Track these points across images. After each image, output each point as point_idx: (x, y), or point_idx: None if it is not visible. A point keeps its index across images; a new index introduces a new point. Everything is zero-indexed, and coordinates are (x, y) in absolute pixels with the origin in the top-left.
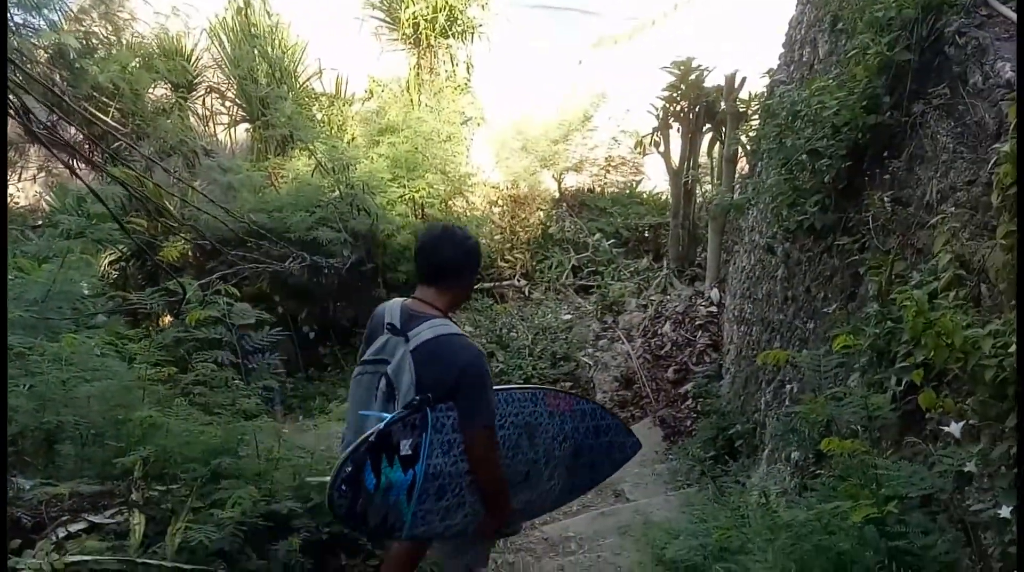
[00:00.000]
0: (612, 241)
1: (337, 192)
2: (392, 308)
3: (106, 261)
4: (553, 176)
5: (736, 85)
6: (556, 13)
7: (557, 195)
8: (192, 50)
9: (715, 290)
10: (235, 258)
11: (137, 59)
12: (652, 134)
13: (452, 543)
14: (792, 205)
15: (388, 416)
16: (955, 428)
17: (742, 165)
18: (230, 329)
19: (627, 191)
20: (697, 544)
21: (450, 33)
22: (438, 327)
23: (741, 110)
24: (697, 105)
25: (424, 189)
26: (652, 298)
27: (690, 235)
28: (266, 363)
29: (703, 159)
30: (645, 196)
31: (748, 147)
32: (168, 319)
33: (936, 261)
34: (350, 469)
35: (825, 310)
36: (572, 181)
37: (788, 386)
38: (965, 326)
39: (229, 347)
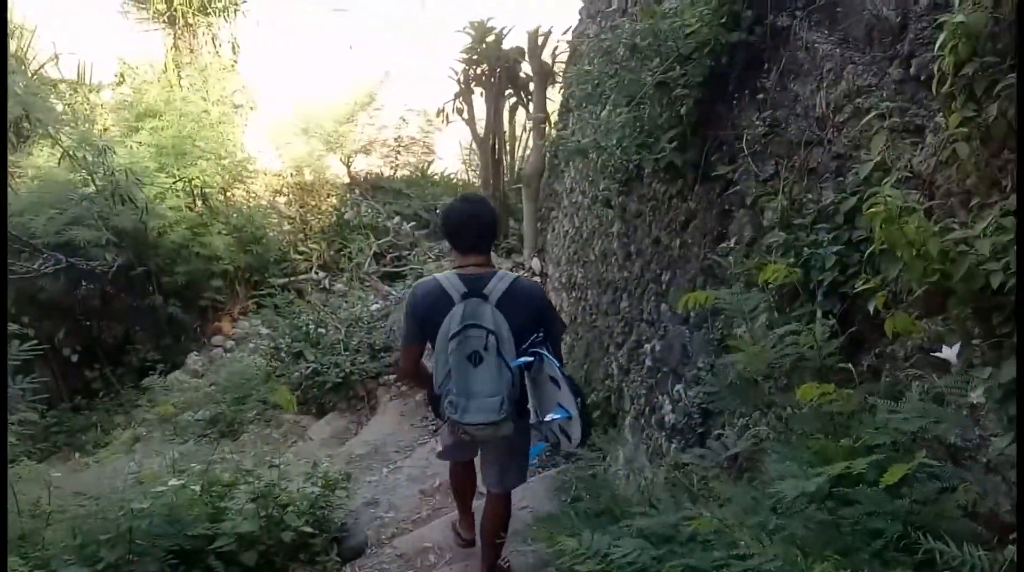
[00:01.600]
0: (412, 223)
1: (92, 186)
2: (450, 280)
3: None
4: (341, 160)
5: (540, 43)
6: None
7: (348, 180)
8: None
9: (535, 260)
10: None
11: None
12: (454, 100)
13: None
14: (641, 147)
15: (552, 360)
16: (950, 353)
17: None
18: None
19: (419, 172)
20: (636, 542)
21: (210, 10)
22: (505, 277)
23: (547, 66)
24: (498, 68)
25: (199, 176)
26: None
27: (502, 206)
28: (19, 390)
29: (506, 127)
30: (437, 177)
31: (565, 101)
32: None
33: (862, 170)
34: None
35: (684, 257)
36: (362, 164)
37: (647, 346)
38: (940, 231)
39: None
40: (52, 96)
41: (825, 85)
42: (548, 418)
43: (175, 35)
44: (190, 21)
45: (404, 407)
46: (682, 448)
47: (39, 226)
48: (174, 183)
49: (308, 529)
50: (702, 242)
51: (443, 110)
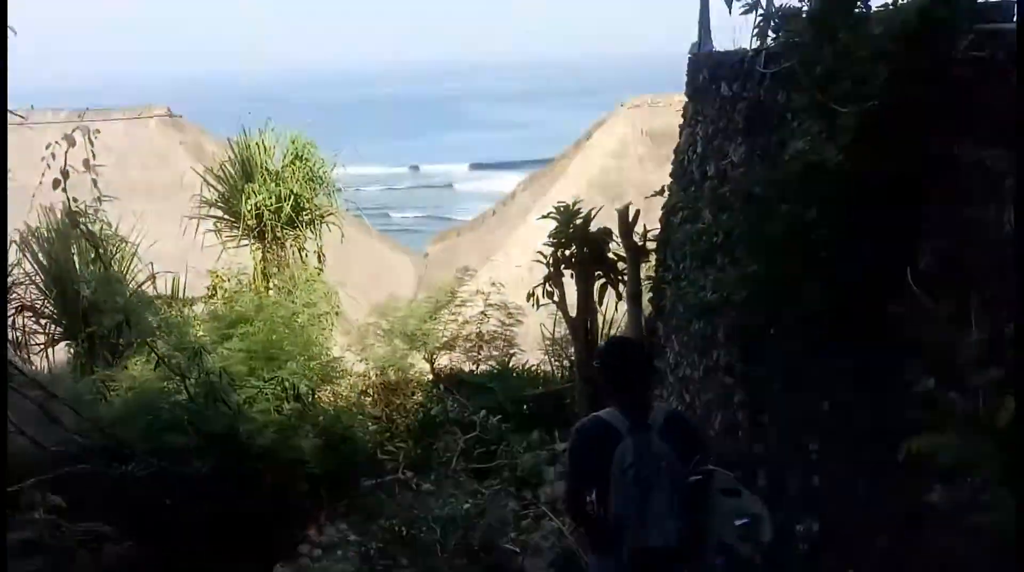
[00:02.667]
0: (498, 417)
1: (185, 393)
2: (614, 418)
3: None
4: (424, 357)
5: (631, 218)
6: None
7: (431, 376)
8: None
9: None
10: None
11: None
12: (544, 284)
13: None
14: (777, 299)
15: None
16: None
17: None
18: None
19: (501, 367)
20: None
21: (297, 222)
22: (663, 409)
23: (639, 244)
24: (587, 249)
25: (294, 375)
26: None
27: (596, 389)
28: None
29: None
30: (518, 370)
31: (659, 277)
32: None
33: None
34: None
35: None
36: (445, 360)
37: (798, 527)
38: None
39: None
40: (147, 312)
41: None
42: (738, 523)
43: (264, 248)
44: (278, 234)
45: None
46: None
47: (135, 434)
48: (267, 381)
49: None
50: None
51: (534, 293)
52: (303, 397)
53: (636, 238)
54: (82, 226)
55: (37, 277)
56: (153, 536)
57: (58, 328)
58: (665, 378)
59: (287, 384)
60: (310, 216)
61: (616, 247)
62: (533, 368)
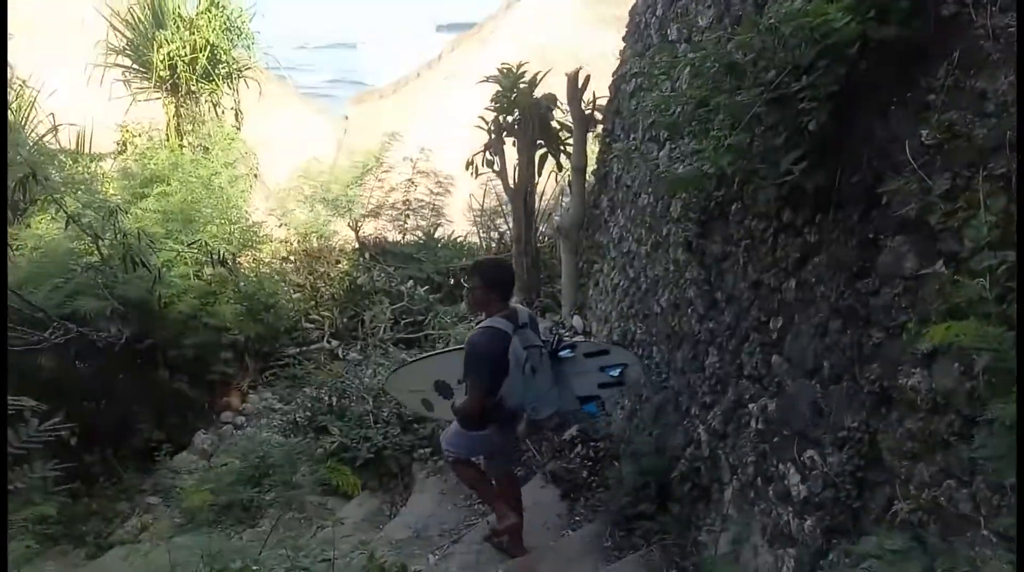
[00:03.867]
0: (426, 288)
1: (97, 254)
2: (500, 324)
3: None
4: (349, 225)
5: (580, 84)
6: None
7: (357, 245)
8: None
9: (577, 318)
10: None
11: None
12: (484, 151)
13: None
14: (751, 174)
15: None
16: None
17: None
18: None
19: (428, 237)
20: None
21: (214, 76)
22: (521, 309)
23: (587, 112)
24: (532, 116)
25: (215, 239)
26: None
27: (533, 262)
28: (38, 478)
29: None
30: (446, 241)
31: (605, 147)
32: None
33: None
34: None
35: (803, 299)
36: (370, 228)
37: (752, 405)
38: None
39: None
40: (52, 167)
41: None
42: (612, 374)
43: (177, 103)
44: (192, 88)
45: (444, 484)
46: (825, 526)
47: (40, 298)
48: (188, 245)
49: None
50: (832, 280)
51: (472, 162)
52: (225, 261)
53: (584, 106)
54: None
55: None
56: (70, 407)
57: None
58: (607, 253)
59: (207, 248)
60: (227, 69)
61: (560, 116)
62: (460, 239)
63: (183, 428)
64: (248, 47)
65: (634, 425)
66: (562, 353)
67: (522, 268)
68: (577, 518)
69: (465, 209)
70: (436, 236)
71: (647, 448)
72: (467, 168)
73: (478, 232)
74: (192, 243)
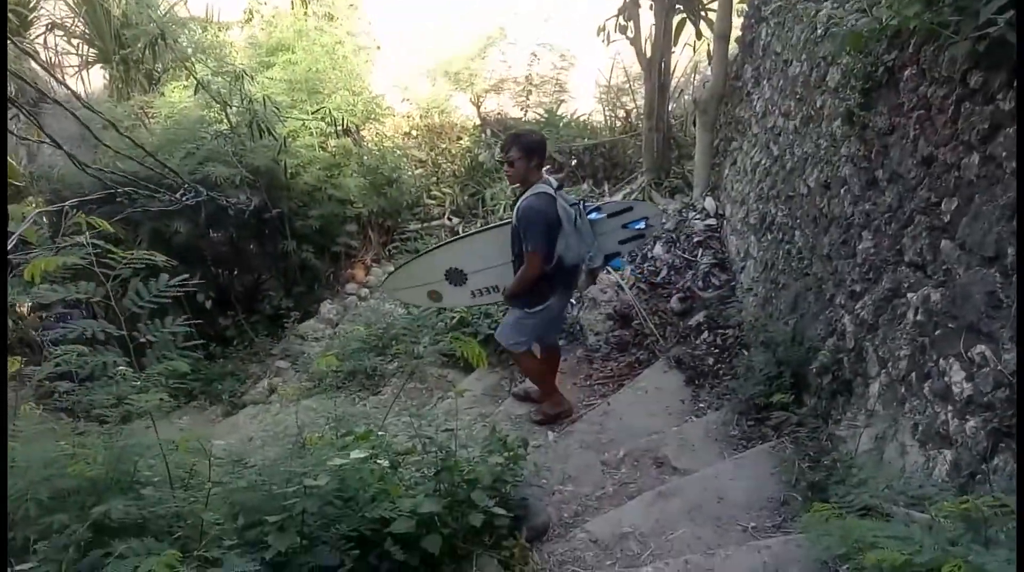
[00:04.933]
0: (547, 167)
1: (226, 122)
2: (546, 188)
3: None
4: (471, 100)
5: None
6: None
7: (478, 121)
8: None
9: (709, 199)
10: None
11: None
12: (617, 16)
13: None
14: (940, 30)
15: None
16: None
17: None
18: (104, 282)
19: (550, 114)
20: None
21: None
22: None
23: None
24: None
25: (340, 108)
26: None
27: (665, 140)
28: (168, 334)
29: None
30: (568, 119)
31: (755, 10)
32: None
33: None
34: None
35: (989, 177)
36: (492, 104)
37: (911, 295)
38: None
39: (105, 314)
40: (182, 34)
41: None
42: (639, 226)
43: None
44: None
45: (563, 363)
46: (992, 429)
47: (175, 164)
48: (313, 114)
49: (498, 510)
50: None
51: (603, 28)
52: (349, 130)
53: None
54: None
55: None
56: (204, 271)
57: (91, 50)
58: (747, 129)
59: (332, 118)
60: None
61: None
62: (584, 117)
63: (309, 297)
64: None
65: (768, 313)
66: (591, 215)
67: (653, 145)
68: (701, 405)
69: (589, 86)
70: (559, 113)
71: (783, 337)
72: (598, 34)
73: (603, 110)
74: (316, 111)
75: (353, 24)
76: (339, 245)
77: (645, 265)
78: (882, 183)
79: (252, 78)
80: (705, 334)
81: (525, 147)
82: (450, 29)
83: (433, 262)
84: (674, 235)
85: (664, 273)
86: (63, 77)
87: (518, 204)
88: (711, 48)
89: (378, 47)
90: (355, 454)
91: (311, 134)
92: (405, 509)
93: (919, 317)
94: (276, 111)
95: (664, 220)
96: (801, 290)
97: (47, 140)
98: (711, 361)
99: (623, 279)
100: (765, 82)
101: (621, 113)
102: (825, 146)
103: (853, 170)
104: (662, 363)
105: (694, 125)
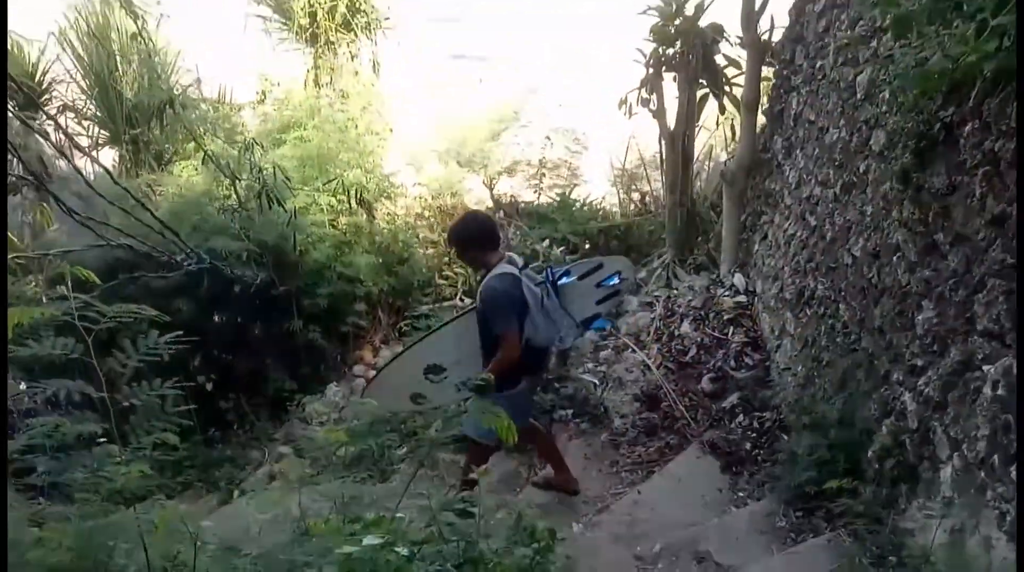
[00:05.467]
0: (562, 248)
1: (234, 196)
2: (508, 269)
3: None
4: (484, 182)
5: (757, 7)
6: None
7: (491, 203)
8: (37, 61)
9: (739, 276)
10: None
11: None
12: (640, 89)
13: None
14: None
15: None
16: None
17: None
18: (85, 337)
19: (564, 197)
20: None
21: (352, 25)
22: (514, 257)
23: (763, 39)
24: (696, 48)
25: (354, 185)
26: (656, 294)
27: (689, 215)
28: (155, 397)
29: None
30: (582, 201)
31: (782, 80)
32: None
33: None
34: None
35: None
36: (505, 187)
37: (988, 369)
38: None
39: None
40: (194, 115)
41: None
42: (611, 283)
43: (316, 54)
44: (331, 39)
45: (587, 448)
46: None
47: (192, 241)
48: (324, 185)
49: None
50: None
51: (625, 100)
52: (366, 204)
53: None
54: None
55: (77, 74)
56: (206, 352)
57: (103, 131)
58: (779, 201)
59: (344, 196)
60: (366, 19)
61: (727, 49)
62: (597, 201)
63: (315, 379)
64: None
65: (811, 393)
66: (562, 281)
67: (677, 221)
68: (741, 493)
69: (603, 170)
70: (572, 197)
71: (831, 418)
72: (620, 107)
73: (617, 192)
74: (328, 183)
75: (367, 101)
76: (347, 325)
77: (672, 344)
78: (944, 247)
79: (263, 147)
80: (740, 417)
81: (462, 241)
82: (463, 111)
83: (408, 363)
84: (702, 313)
85: (693, 352)
86: (72, 158)
87: (479, 288)
88: (736, 121)
89: (390, 129)
90: (368, 541)
91: (322, 211)
92: None
93: (1000, 391)
94: (287, 181)
95: (690, 295)
96: (849, 367)
97: (58, 210)
98: (748, 446)
99: (650, 358)
100: (798, 151)
101: (636, 195)
102: (872, 212)
103: (907, 235)
104: (695, 448)
105: (718, 199)
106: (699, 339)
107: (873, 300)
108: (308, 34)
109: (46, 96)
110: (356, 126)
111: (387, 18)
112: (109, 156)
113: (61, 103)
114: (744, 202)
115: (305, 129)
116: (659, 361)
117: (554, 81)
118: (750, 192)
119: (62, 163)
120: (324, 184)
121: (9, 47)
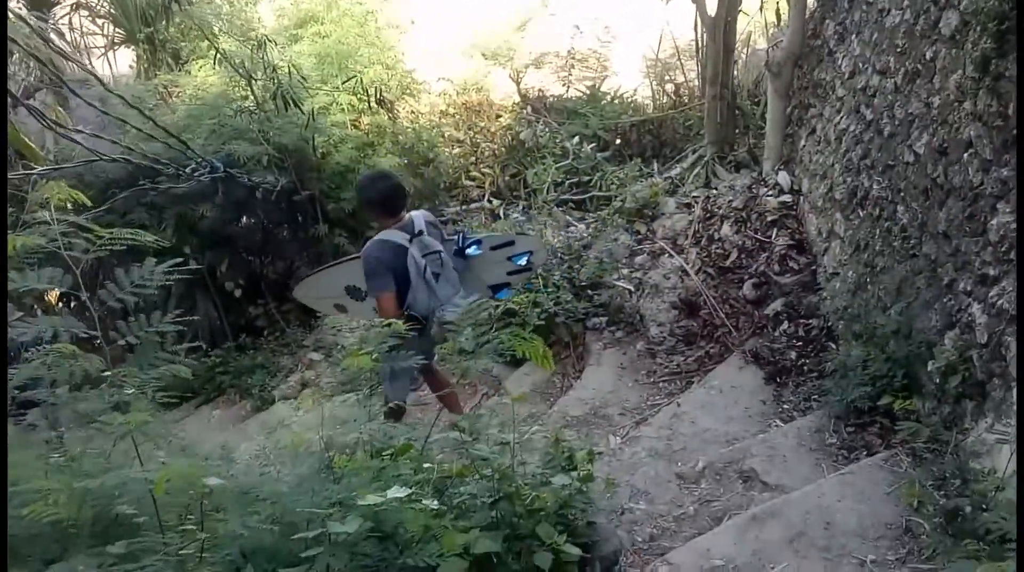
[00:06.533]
0: (593, 145)
1: (251, 97)
2: (394, 236)
3: None
4: (510, 76)
5: None
6: None
7: (518, 98)
8: None
9: (783, 174)
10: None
11: None
12: None
13: None
14: None
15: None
16: None
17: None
18: (71, 269)
19: (594, 89)
20: None
21: None
22: (417, 215)
23: None
24: None
25: (376, 81)
26: (695, 195)
27: (730, 108)
28: (154, 334)
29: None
30: (610, 97)
31: None
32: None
33: None
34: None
35: None
36: (532, 80)
37: None
38: None
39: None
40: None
41: None
42: (519, 262)
43: None
44: None
45: (623, 357)
46: None
47: (198, 144)
48: (343, 84)
49: (569, 548)
50: None
51: None
52: (383, 100)
53: None
54: None
55: None
56: (233, 258)
57: (117, 30)
58: (829, 93)
59: (365, 91)
60: None
61: None
62: (628, 94)
63: None
64: None
65: (863, 301)
66: (469, 251)
67: (717, 115)
68: (786, 406)
69: (635, 61)
70: (602, 89)
71: (886, 329)
72: None
73: (650, 85)
74: (347, 81)
75: None
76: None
77: (712, 247)
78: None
79: (276, 44)
80: (785, 325)
81: (365, 197)
82: (488, 3)
83: (332, 278)
84: (743, 214)
85: (734, 256)
86: (89, 59)
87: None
88: (781, 5)
89: (412, 22)
90: (392, 492)
91: (342, 110)
92: (456, 547)
93: None
94: (303, 82)
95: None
96: (907, 274)
97: (65, 127)
98: (793, 356)
99: (688, 262)
100: (853, 37)
101: (670, 87)
102: (939, 104)
103: (982, 130)
104: (737, 358)
105: (758, 91)
106: (740, 242)
107: (938, 202)
108: None
109: None
110: (375, 20)
111: None
112: (126, 57)
113: (74, 1)
114: (790, 94)
115: (322, 24)
116: (698, 266)
117: None
118: (796, 83)
119: (73, 65)
120: (343, 82)
121: None
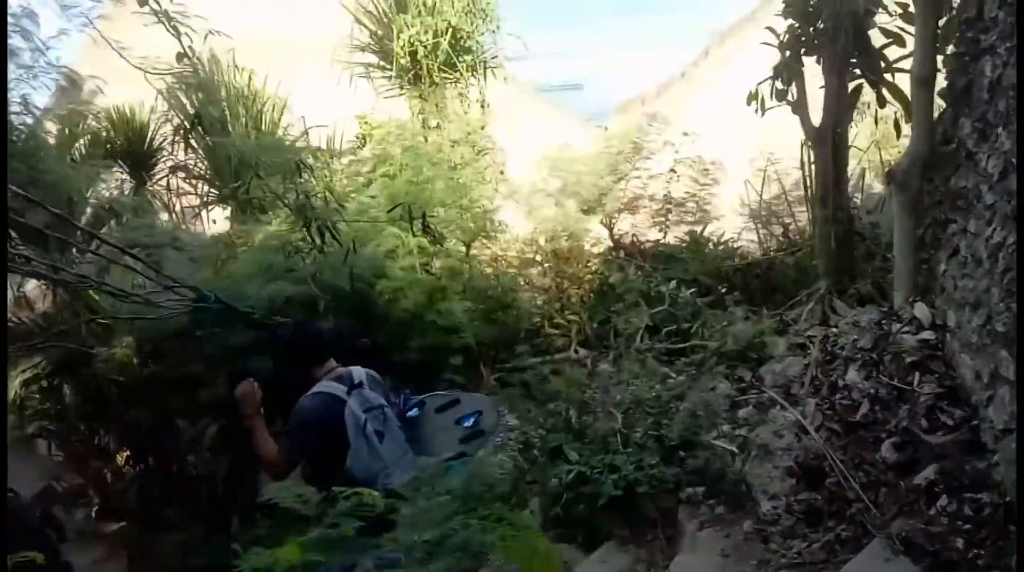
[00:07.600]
0: (692, 290)
1: (309, 241)
2: (329, 388)
3: (18, 381)
4: (602, 222)
5: None
6: None
7: (610, 243)
8: (147, 122)
9: (920, 305)
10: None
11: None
12: (774, 80)
13: None
14: None
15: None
16: None
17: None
18: None
19: (694, 233)
20: None
21: (457, 63)
22: (356, 369)
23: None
24: (843, 22)
25: (449, 222)
26: (810, 334)
27: (846, 232)
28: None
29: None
30: (714, 240)
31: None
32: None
33: None
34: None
35: None
36: (626, 225)
37: None
38: None
39: None
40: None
41: None
42: (468, 424)
43: (421, 94)
44: (435, 79)
45: (725, 540)
46: None
47: (248, 289)
48: (404, 241)
49: None
50: None
51: (756, 94)
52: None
53: None
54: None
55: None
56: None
57: (212, 190)
58: (975, 201)
59: (433, 232)
60: (472, 59)
61: (886, 20)
62: (731, 239)
63: None
64: (494, 31)
65: None
66: (409, 413)
67: (830, 241)
68: None
69: (737, 205)
70: (703, 234)
71: None
72: (749, 102)
73: (756, 227)
74: (416, 218)
75: (474, 147)
76: (444, 381)
77: (836, 397)
78: None
79: (311, 170)
80: (944, 500)
81: (287, 348)
82: (580, 146)
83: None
84: (873, 355)
85: (865, 408)
86: (183, 219)
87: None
88: (899, 114)
89: (501, 171)
90: None
91: (410, 253)
92: None
93: None
94: (339, 206)
95: (855, 334)
96: None
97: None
98: (961, 544)
99: (806, 417)
100: (999, 131)
101: (777, 229)
102: None
103: None
104: (879, 545)
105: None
106: (872, 391)
107: None
108: (411, 75)
109: (159, 155)
110: (456, 166)
111: (494, 57)
112: (222, 213)
113: (171, 163)
114: (921, 209)
115: (393, 164)
116: (819, 421)
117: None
118: (928, 198)
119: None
120: (412, 223)
121: (121, 113)
